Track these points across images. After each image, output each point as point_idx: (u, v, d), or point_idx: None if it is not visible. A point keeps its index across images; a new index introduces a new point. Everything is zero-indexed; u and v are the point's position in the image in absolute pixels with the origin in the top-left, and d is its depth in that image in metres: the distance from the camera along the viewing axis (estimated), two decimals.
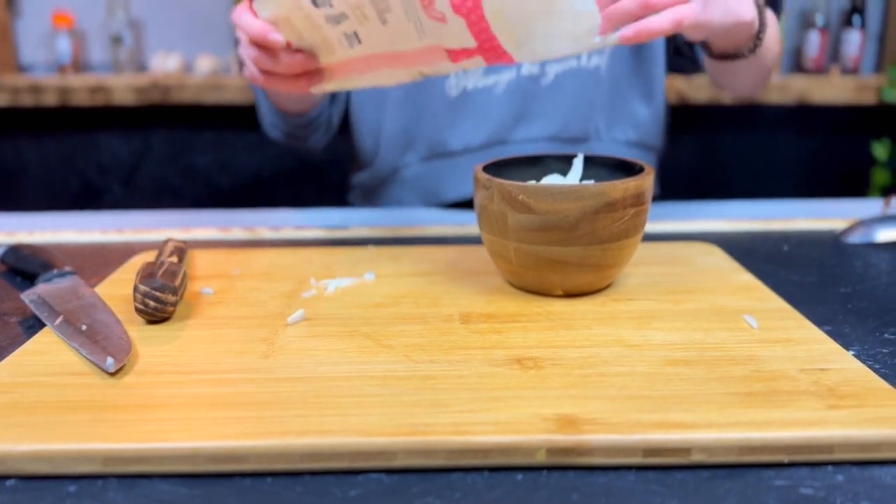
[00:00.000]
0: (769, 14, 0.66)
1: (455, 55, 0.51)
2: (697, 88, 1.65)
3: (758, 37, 0.63)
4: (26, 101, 1.69)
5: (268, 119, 0.80)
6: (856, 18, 1.78)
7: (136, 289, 0.46)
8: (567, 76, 0.79)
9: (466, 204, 0.83)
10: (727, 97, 1.70)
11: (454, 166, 0.82)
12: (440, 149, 0.82)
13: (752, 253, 0.63)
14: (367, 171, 0.87)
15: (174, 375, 0.40)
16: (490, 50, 0.50)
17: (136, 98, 1.67)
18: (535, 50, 0.49)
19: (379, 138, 0.84)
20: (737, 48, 0.65)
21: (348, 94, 0.83)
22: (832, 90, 1.72)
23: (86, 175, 1.89)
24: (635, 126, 0.84)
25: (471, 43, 0.49)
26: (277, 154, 1.89)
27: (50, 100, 1.68)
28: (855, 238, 0.66)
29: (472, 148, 0.81)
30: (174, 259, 0.52)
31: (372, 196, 0.89)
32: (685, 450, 0.33)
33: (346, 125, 0.91)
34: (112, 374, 0.39)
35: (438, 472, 0.33)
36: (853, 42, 1.79)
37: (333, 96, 0.81)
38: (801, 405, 0.36)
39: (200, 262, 0.59)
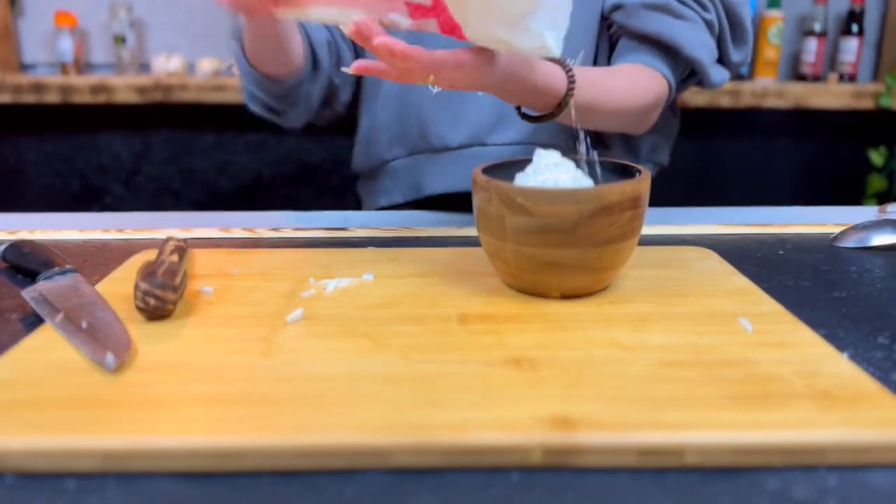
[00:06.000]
0: (589, 73, 0.66)
1: (413, 10, 0.52)
2: (695, 93, 1.66)
3: (564, 101, 0.61)
4: (28, 99, 1.69)
5: (248, 89, 0.80)
6: (853, 26, 1.79)
7: (136, 287, 0.46)
8: None
9: (448, 197, 0.84)
10: (724, 101, 1.71)
11: (436, 163, 0.84)
12: (423, 145, 0.85)
13: (747, 257, 0.63)
14: (364, 160, 0.91)
15: (173, 373, 0.40)
16: (443, 13, 0.51)
17: (138, 98, 1.68)
18: (478, 29, 0.50)
19: (373, 130, 0.88)
20: (542, 110, 0.63)
21: (331, 78, 0.83)
22: (829, 97, 1.73)
23: (86, 174, 1.90)
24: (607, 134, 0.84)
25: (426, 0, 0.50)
26: (278, 156, 1.89)
27: (52, 98, 1.69)
28: (850, 243, 0.67)
29: (452, 147, 0.83)
30: (174, 258, 0.53)
31: (367, 184, 0.93)
32: (679, 451, 0.33)
33: (334, 127, 0.94)
34: (112, 372, 0.40)
35: (434, 472, 0.33)
36: (851, 49, 1.80)
37: (315, 69, 0.80)
38: (794, 408, 0.36)
39: (200, 261, 0.59)
